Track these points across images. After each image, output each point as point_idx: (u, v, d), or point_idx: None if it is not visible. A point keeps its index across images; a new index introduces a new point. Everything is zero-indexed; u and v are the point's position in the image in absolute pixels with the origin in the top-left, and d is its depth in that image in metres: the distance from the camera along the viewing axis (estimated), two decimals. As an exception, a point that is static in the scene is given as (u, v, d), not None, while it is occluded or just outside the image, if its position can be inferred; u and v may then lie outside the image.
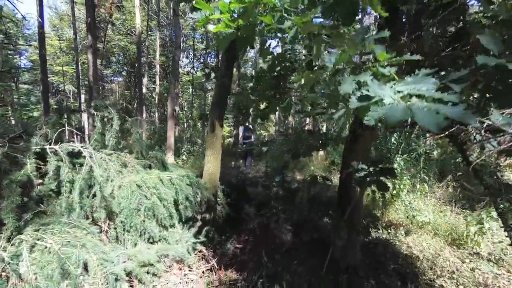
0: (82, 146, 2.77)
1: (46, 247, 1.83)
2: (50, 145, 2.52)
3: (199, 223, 2.86)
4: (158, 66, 16.77)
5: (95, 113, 3.17)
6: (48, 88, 12.59)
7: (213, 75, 4.91)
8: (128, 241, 2.36)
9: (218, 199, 3.39)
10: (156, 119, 17.19)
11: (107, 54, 20.16)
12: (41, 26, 9.70)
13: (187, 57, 24.68)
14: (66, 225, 2.06)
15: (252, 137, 9.09)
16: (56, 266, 1.75)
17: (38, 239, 1.88)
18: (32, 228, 1.95)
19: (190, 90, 20.44)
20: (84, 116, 12.43)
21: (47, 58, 25.71)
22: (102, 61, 20.14)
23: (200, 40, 23.94)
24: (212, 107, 3.24)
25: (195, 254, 2.69)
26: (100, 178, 2.41)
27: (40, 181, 2.26)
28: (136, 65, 15.06)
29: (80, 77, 15.16)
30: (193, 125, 21.27)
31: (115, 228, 2.39)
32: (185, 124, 23.07)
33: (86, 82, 13.31)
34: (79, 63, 15.32)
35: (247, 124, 9.05)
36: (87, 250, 1.90)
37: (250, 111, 3.71)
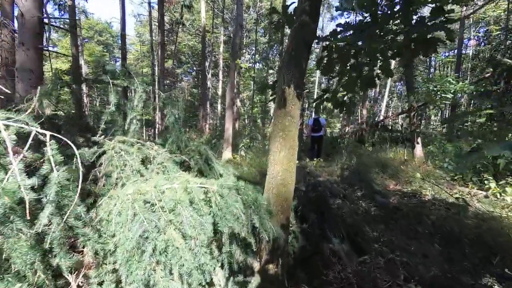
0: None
1: None
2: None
3: (256, 279, 1.50)
4: (221, 61, 16.49)
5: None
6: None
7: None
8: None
9: (290, 225, 1.98)
10: (218, 113, 16.93)
11: (177, 54, 21.15)
12: (123, 28, 10.09)
13: (248, 53, 24.13)
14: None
15: (322, 131, 7.36)
16: None
17: None
18: None
19: (252, 85, 19.64)
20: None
21: (132, 61, 28.75)
22: (174, 61, 21.22)
23: (263, 34, 22.98)
24: (282, 66, 1.83)
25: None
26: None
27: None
28: (201, 59, 14.95)
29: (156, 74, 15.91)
30: (253, 121, 20.54)
31: (101, 285, 1.22)
32: (246, 120, 22.59)
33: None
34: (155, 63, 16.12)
35: (317, 116, 7.50)
36: None
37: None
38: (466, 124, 13.30)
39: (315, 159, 6.81)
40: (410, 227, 2.91)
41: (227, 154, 6.72)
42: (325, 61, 2.23)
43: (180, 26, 18.09)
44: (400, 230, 2.82)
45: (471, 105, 19.90)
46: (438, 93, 5.13)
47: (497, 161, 4.37)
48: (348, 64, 2.20)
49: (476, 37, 20.87)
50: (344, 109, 2.47)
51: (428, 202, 3.74)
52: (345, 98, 2.48)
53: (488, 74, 11.09)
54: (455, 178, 4.87)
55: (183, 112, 2.60)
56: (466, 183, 4.51)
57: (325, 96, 2.53)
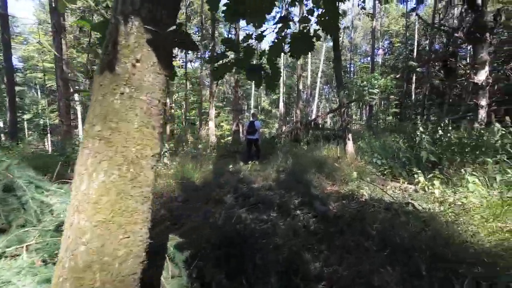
0: None
1: None
2: None
3: None
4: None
5: None
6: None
7: None
8: None
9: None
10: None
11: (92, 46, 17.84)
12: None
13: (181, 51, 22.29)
14: None
15: (257, 134, 7.29)
16: None
17: None
18: None
19: (186, 85, 18.04)
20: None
21: (34, 55, 23.34)
22: (89, 55, 17.79)
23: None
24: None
25: None
26: None
27: None
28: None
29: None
30: (191, 123, 18.99)
31: None
32: (183, 123, 20.77)
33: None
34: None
35: (254, 118, 7.50)
36: None
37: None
38: (379, 121, 15.01)
39: (250, 162, 6.10)
40: (356, 241, 2.35)
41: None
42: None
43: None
44: (346, 249, 2.21)
45: (381, 106, 23.00)
46: (366, 88, 5.05)
47: (420, 154, 4.44)
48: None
49: (383, 47, 24.27)
50: (264, 83, 1.68)
51: (367, 203, 3.37)
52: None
53: (399, 75, 12.54)
54: (385, 172, 4.81)
55: None
56: (397, 178, 4.44)
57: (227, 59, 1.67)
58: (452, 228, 2.44)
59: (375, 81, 5.10)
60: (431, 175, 3.60)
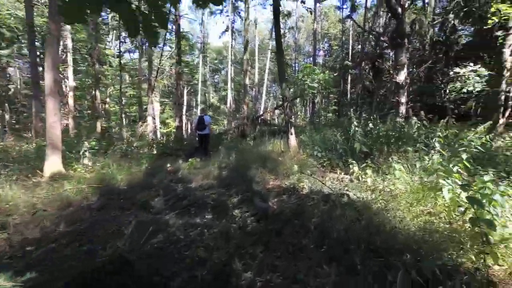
0: None
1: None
2: None
3: None
4: (69, 40, 12.17)
5: None
6: None
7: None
8: None
9: None
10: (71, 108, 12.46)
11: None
12: None
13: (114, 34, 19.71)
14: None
15: (207, 129, 7.08)
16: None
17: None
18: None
19: (121, 76, 16.02)
20: None
21: None
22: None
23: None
24: None
25: None
26: None
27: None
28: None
29: None
30: (132, 121, 17.06)
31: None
32: (124, 119, 18.50)
33: None
34: None
35: (203, 113, 7.27)
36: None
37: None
38: (321, 117, 16.07)
39: (190, 160, 5.57)
40: (295, 240, 2.16)
41: (53, 164, 4.32)
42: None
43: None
44: (285, 250, 2.00)
45: (323, 103, 24.79)
46: (306, 82, 5.07)
47: (354, 145, 4.65)
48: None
49: (323, 48, 26.06)
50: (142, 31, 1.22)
51: (307, 196, 3.29)
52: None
53: (336, 73, 13.45)
54: (324, 164, 4.91)
55: None
56: (335, 169, 4.55)
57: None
58: (382, 215, 2.47)
59: (315, 76, 5.19)
60: (364, 164, 3.75)
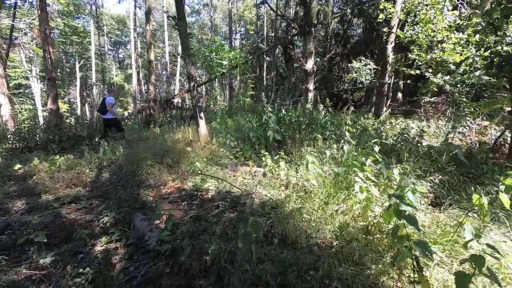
0: None
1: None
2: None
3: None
4: None
5: None
6: None
7: None
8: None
9: None
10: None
11: None
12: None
13: None
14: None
15: (108, 113, 5.92)
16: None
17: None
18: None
19: None
20: None
21: None
22: None
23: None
24: None
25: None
26: None
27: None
28: None
29: None
30: None
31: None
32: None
33: None
34: None
35: (109, 94, 6.06)
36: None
37: None
38: (239, 102, 15.70)
39: (52, 156, 3.90)
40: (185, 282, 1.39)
41: None
42: None
43: None
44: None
45: (241, 88, 24.59)
46: (214, 59, 4.23)
47: (267, 134, 4.23)
48: None
49: (240, 32, 25.44)
50: None
51: (212, 201, 2.57)
52: None
53: (251, 56, 13.05)
54: (237, 155, 4.33)
55: None
56: (247, 160, 4.01)
57: None
58: (297, 220, 2.02)
59: (225, 54, 4.40)
60: (277, 156, 3.34)
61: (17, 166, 3.78)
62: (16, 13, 10.01)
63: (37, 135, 6.43)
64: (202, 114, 4.95)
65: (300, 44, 12.54)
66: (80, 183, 3.16)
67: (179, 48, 19.42)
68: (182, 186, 3.06)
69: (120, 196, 2.67)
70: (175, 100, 10.98)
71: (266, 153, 3.40)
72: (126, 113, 13.15)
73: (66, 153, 5.86)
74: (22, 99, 19.30)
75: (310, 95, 9.65)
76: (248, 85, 22.81)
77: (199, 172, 3.13)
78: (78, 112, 19.70)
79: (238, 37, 25.34)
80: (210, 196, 2.74)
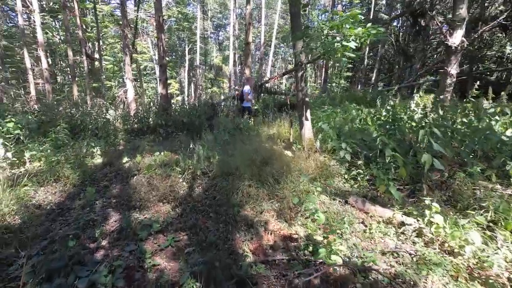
0: None
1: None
2: None
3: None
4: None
5: None
6: None
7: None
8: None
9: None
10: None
11: None
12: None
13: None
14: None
15: (245, 102, 6.44)
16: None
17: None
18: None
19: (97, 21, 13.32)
20: None
21: None
22: None
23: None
24: None
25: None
26: None
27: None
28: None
29: None
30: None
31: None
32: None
33: None
34: None
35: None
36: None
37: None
38: (332, 85, 13.31)
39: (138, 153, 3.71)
40: None
41: None
42: None
43: None
44: None
45: (335, 68, 21.48)
46: (337, 40, 2.88)
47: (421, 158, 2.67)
48: None
49: (342, 2, 21.87)
50: None
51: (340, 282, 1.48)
52: None
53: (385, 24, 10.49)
54: (357, 178, 2.98)
55: None
56: (383, 195, 2.62)
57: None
58: None
59: (351, 29, 2.92)
60: (433, 200, 1.85)
61: (125, 159, 3.79)
62: (143, 5, 11.27)
63: (150, 118, 6.98)
64: (308, 114, 3.80)
65: (440, 9, 9.03)
66: (173, 197, 2.69)
67: (275, 28, 18.35)
68: (288, 233, 2.10)
69: (210, 238, 1.95)
70: (268, 85, 10.24)
71: (433, 202, 1.95)
72: (222, 97, 13.55)
73: (170, 138, 6.09)
74: (149, 78, 23.39)
75: (449, 82, 6.79)
76: (342, 63, 19.73)
77: (314, 216, 2.05)
78: (185, 91, 22.26)
79: (340, 8, 21.87)
80: (337, 273, 1.65)
